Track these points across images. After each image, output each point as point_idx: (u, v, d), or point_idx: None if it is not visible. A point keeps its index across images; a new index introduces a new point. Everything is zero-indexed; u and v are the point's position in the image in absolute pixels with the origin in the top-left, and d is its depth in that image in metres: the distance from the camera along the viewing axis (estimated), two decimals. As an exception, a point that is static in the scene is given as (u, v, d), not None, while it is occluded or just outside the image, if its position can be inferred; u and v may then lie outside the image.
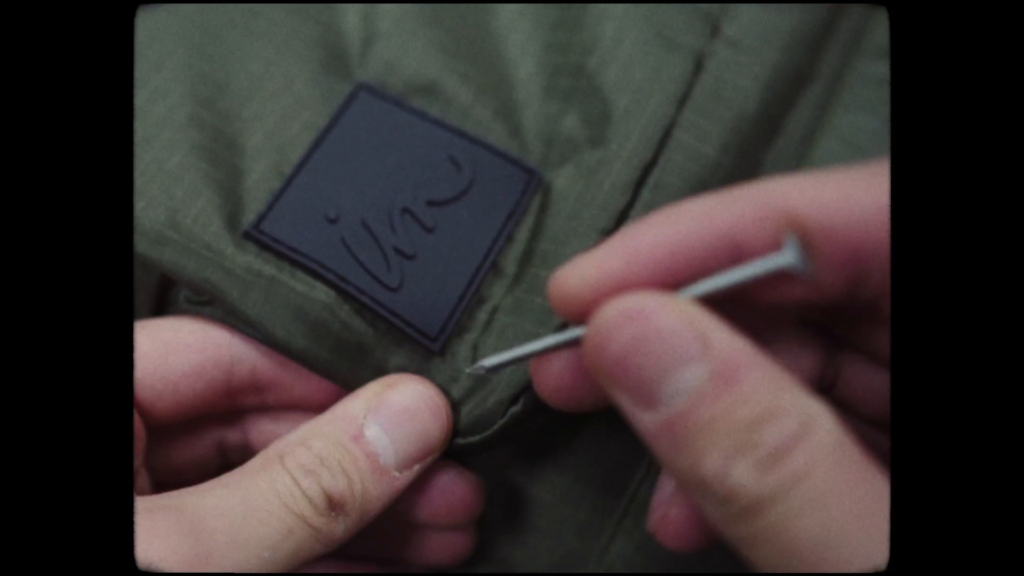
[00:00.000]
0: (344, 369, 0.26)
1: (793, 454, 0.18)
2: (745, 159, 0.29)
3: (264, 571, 0.23)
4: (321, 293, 0.26)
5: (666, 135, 0.28)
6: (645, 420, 0.19)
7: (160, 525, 0.22)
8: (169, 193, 0.27)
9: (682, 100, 0.29)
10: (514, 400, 0.26)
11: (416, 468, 0.25)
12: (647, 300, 0.20)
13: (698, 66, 0.29)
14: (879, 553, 0.17)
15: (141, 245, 0.26)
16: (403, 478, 0.25)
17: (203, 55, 0.29)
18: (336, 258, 0.26)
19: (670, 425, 0.19)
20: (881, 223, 0.20)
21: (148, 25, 0.29)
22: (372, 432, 0.25)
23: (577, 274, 0.21)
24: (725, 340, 0.19)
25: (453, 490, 0.27)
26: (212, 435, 0.29)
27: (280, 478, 0.24)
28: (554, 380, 0.23)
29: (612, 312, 0.20)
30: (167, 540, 0.22)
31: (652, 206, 0.27)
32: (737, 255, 0.21)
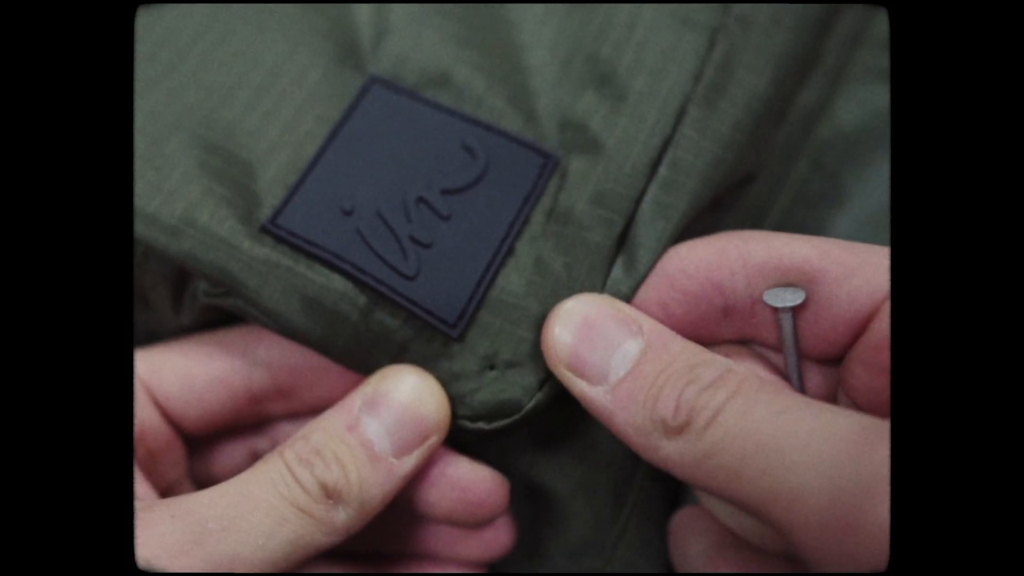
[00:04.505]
0: (362, 358, 0.26)
1: (727, 379, 0.23)
2: (757, 137, 0.29)
3: (265, 558, 0.23)
4: (338, 283, 0.26)
5: (682, 112, 0.28)
6: (598, 395, 0.24)
7: (155, 516, 0.23)
8: (184, 192, 0.27)
9: (697, 76, 0.29)
10: (540, 386, 0.26)
11: (416, 454, 0.26)
12: (586, 299, 0.25)
13: (711, 43, 0.29)
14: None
15: (160, 239, 0.26)
16: (403, 465, 0.25)
17: (216, 55, 0.29)
18: (352, 249, 0.27)
19: (620, 388, 0.24)
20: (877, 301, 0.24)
21: (161, 26, 0.30)
22: (366, 422, 0.25)
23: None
24: (651, 323, 0.25)
25: (468, 486, 0.27)
26: (245, 445, 0.30)
27: (276, 469, 0.24)
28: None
29: (562, 311, 0.25)
30: (160, 527, 0.23)
31: (669, 184, 0.27)
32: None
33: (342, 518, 0.25)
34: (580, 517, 0.30)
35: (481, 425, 0.26)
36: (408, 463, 0.26)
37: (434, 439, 0.26)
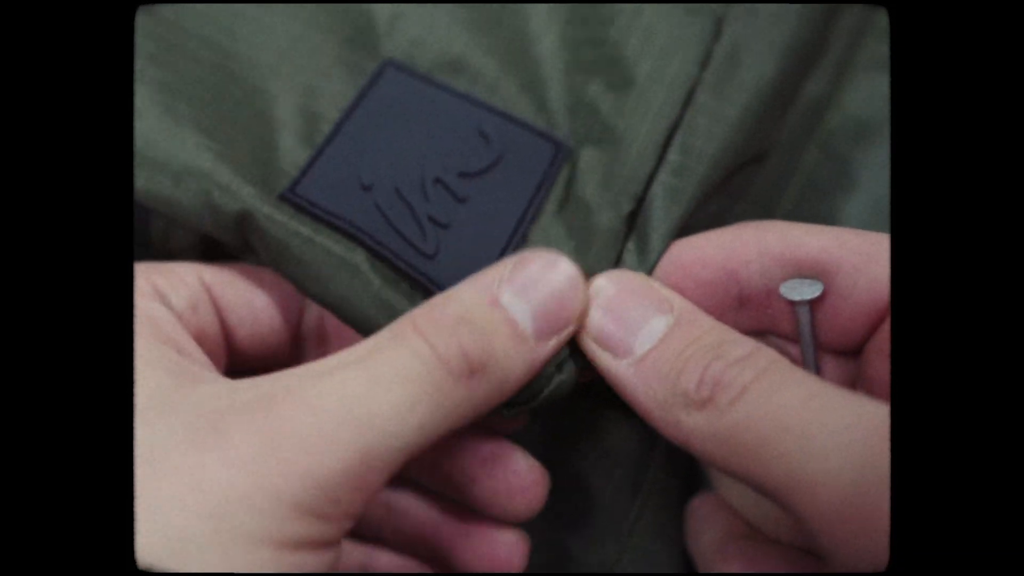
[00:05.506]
0: (381, 328, 0.26)
1: (756, 358, 0.22)
2: (766, 120, 0.29)
3: (397, 456, 0.21)
4: (358, 256, 0.26)
5: (689, 97, 0.28)
6: (622, 368, 0.24)
7: (230, 423, 0.21)
8: (199, 162, 0.27)
9: (704, 62, 0.29)
10: (558, 368, 0.26)
11: (553, 341, 0.24)
12: (619, 275, 0.25)
13: (717, 30, 0.29)
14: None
15: (187, 198, 0.27)
16: (540, 351, 0.24)
17: (229, 34, 0.30)
18: (372, 223, 0.27)
19: (644, 361, 0.24)
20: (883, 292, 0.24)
21: (168, 11, 0.30)
22: (508, 299, 0.24)
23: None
24: (682, 301, 0.25)
25: (518, 469, 0.27)
26: None
27: (408, 343, 0.22)
28: None
29: (594, 284, 0.25)
30: (236, 439, 0.20)
31: (680, 169, 0.27)
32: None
33: (482, 394, 0.23)
34: (594, 505, 0.30)
35: (501, 411, 0.26)
36: (546, 348, 0.24)
37: (571, 328, 0.25)
